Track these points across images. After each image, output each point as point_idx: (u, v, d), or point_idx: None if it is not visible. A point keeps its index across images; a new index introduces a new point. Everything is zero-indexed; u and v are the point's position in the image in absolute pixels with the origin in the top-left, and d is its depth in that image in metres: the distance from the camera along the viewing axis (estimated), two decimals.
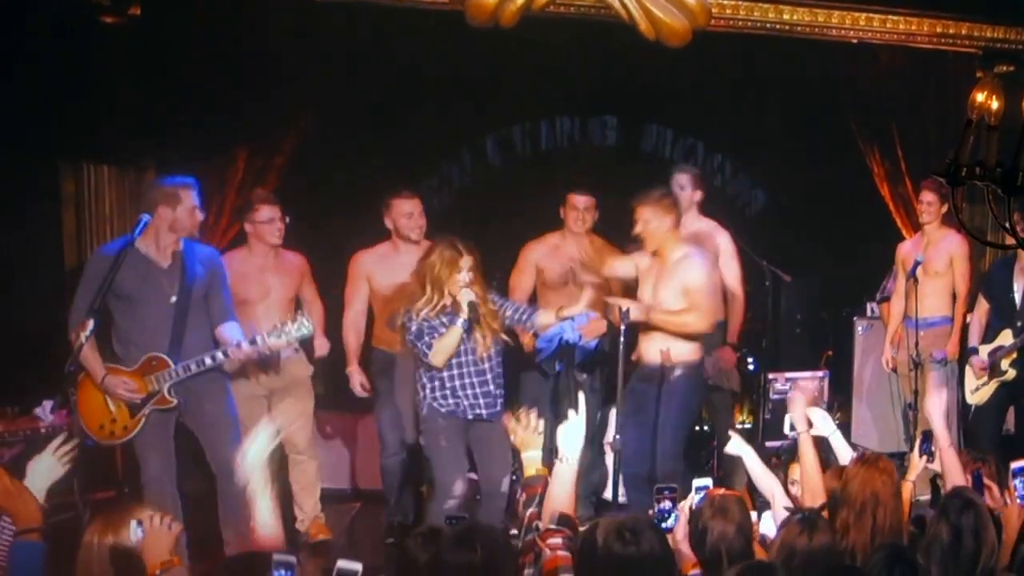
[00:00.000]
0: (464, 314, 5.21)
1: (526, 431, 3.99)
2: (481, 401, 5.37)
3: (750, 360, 7.52)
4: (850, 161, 7.68)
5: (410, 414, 5.89)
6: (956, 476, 4.27)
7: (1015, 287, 6.29)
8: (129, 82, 5.80)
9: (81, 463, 3.59)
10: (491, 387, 5.39)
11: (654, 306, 5.66)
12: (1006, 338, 6.25)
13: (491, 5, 5.93)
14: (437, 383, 5.35)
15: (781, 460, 5.07)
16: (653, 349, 5.78)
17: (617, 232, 6.50)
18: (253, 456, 3.65)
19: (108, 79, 5.75)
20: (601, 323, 6.11)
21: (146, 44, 5.80)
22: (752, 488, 4.60)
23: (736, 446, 4.64)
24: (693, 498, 3.97)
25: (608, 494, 6.12)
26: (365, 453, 6.82)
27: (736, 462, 4.86)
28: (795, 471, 4.60)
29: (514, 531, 3.74)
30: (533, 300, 6.35)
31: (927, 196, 6.56)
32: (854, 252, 7.78)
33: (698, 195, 6.41)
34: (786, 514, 4.02)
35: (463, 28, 6.05)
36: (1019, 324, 6.20)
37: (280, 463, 6.09)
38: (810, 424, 4.60)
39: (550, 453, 3.87)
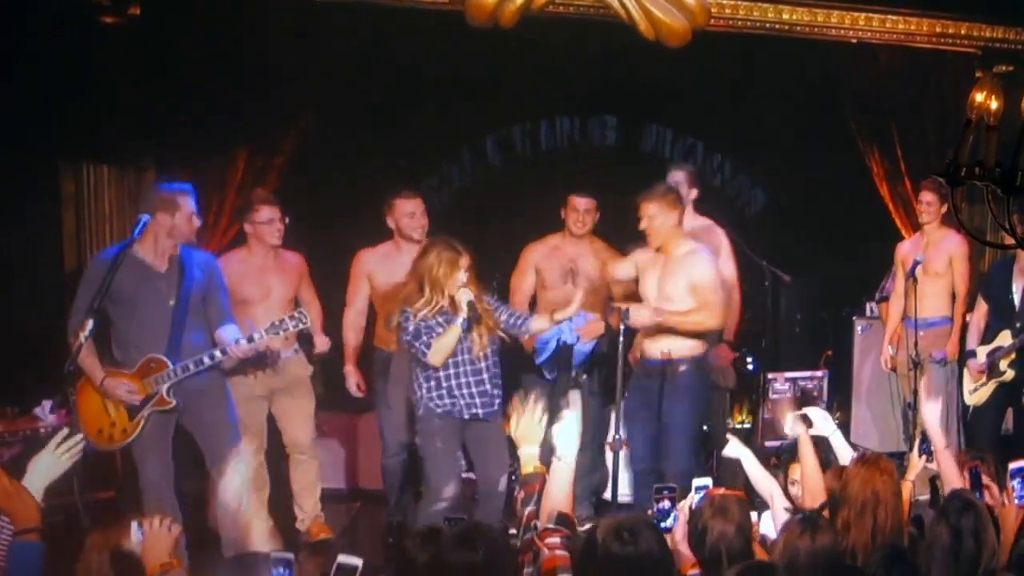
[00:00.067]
0: (464, 313, 5.22)
1: (528, 422, 3.97)
2: (478, 400, 5.37)
3: (749, 360, 7.52)
4: (850, 161, 7.68)
5: (408, 414, 5.89)
6: (954, 479, 4.27)
7: (1014, 288, 6.29)
8: (129, 82, 5.79)
9: (81, 463, 3.59)
10: (488, 386, 5.39)
11: (662, 308, 5.65)
12: (1005, 339, 6.25)
13: (491, 5, 5.93)
14: (433, 383, 5.35)
15: (781, 460, 5.06)
16: (655, 345, 5.78)
17: (617, 233, 6.50)
18: (236, 485, 3.67)
19: (108, 79, 5.74)
20: (599, 324, 6.12)
21: (146, 44, 5.80)
22: (749, 488, 4.60)
23: (734, 448, 4.65)
24: (693, 498, 3.97)
25: (608, 494, 6.13)
26: (365, 453, 6.83)
27: (734, 462, 4.86)
28: (795, 471, 4.60)
29: (513, 531, 3.73)
30: (534, 301, 6.37)
31: (927, 196, 6.56)
32: (854, 252, 7.78)
33: (693, 193, 6.42)
34: (785, 515, 4.03)
35: (463, 28, 6.05)
36: (1018, 325, 6.20)
37: (281, 463, 6.13)
38: (809, 424, 4.60)
39: (548, 453, 3.86)
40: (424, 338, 5.25)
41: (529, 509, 3.73)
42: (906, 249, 6.81)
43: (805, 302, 7.93)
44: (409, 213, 5.96)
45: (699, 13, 6.23)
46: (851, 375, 7.61)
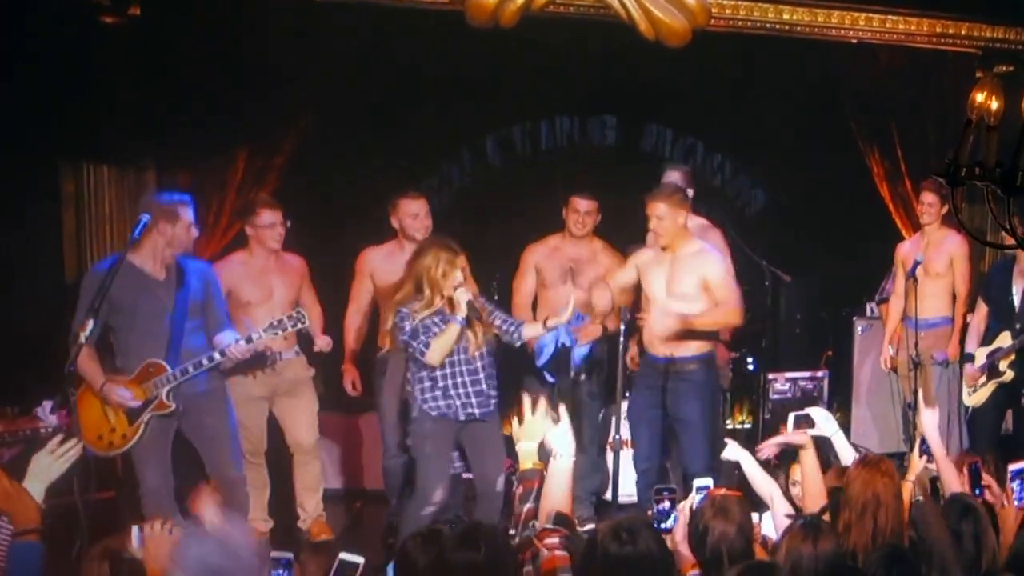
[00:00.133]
0: (462, 312, 5.22)
1: (529, 420, 3.96)
2: (474, 400, 5.37)
3: (749, 360, 7.52)
4: (850, 161, 7.67)
5: (401, 415, 5.88)
6: (954, 485, 4.27)
7: (1014, 289, 6.29)
8: (129, 82, 5.79)
9: (81, 463, 3.59)
10: (484, 386, 5.39)
11: (687, 315, 5.66)
12: (1005, 340, 6.24)
13: (491, 5, 5.93)
14: (429, 383, 5.34)
15: (781, 461, 5.05)
16: (667, 345, 5.79)
17: (617, 233, 6.51)
18: None
19: (108, 79, 5.74)
20: (596, 327, 6.12)
21: (146, 44, 5.79)
22: (748, 489, 4.59)
23: (733, 451, 4.64)
24: (693, 498, 3.96)
25: (608, 495, 6.13)
26: (366, 453, 6.83)
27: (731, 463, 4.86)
28: (796, 472, 4.59)
29: (512, 531, 3.73)
30: (535, 302, 6.37)
31: (928, 197, 6.56)
32: (854, 252, 7.78)
33: (690, 193, 6.42)
34: (785, 518, 4.02)
35: (463, 28, 6.05)
36: (1018, 326, 6.20)
37: (281, 464, 6.13)
38: (811, 424, 4.59)
39: (547, 453, 3.86)
40: (422, 337, 5.25)
41: (527, 506, 3.72)
42: (906, 249, 6.81)
43: (805, 302, 7.93)
44: (413, 214, 5.96)
45: (699, 13, 6.22)
46: (851, 375, 7.61)
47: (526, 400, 4.03)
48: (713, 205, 7.32)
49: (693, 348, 5.79)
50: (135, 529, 3.26)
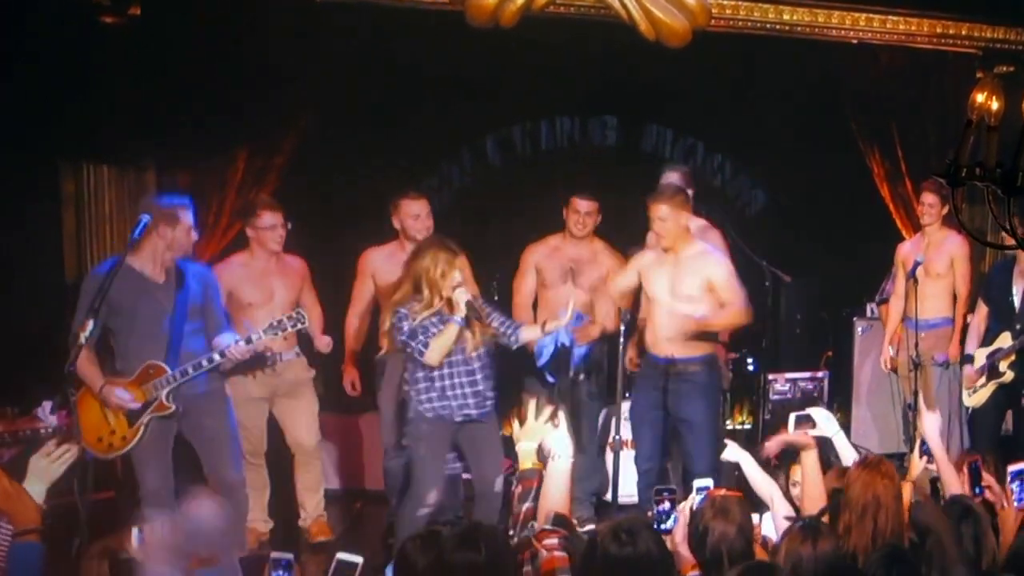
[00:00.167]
0: (461, 312, 5.22)
1: (531, 420, 3.96)
2: (471, 401, 5.36)
3: (749, 360, 7.52)
4: (850, 161, 7.67)
5: (398, 416, 5.88)
6: (955, 489, 4.27)
7: (1014, 290, 6.28)
8: (129, 82, 5.79)
9: (81, 464, 3.59)
10: (481, 387, 5.39)
11: (703, 318, 5.67)
12: (1005, 340, 6.24)
13: (491, 5, 5.93)
14: (425, 384, 5.34)
15: (781, 462, 5.05)
16: (671, 345, 5.79)
17: (617, 233, 6.51)
18: None
19: (108, 79, 5.74)
20: (595, 328, 6.11)
21: (146, 44, 5.79)
22: (748, 490, 4.59)
23: (733, 452, 4.64)
24: (693, 499, 3.96)
25: (608, 495, 6.14)
26: (366, 453, 6.83)
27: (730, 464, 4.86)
28: (796, 473, 4.59)
29: (511, 531, 3.73)
30: (535, 305, 6.37)
31: (928, 198, 6.56)
32: (854, 252, 7.78)
33: (689, 193, 6.42)
34: (784, 520, 4.02)
35: (463, 28, 6.05)
36: (1018, 327, 6.20)
37: (281, 465, 6.13)
38: (812, 424, 4.58)
39: (546, 454, 3.87)
40: (421, 337, 5.24)
41: (526, 506, 3.72)
42: (906, 250, 6.81)
43: (805, 302, 7.93)
44: (414, 214, 5.96)
45: (699, 13, 6.22)
46: (851, 376, 7.61)
47: (530, 403, 4.04)
48: (713, 205, 7.32)
49: (697, 349, 5.80)
50: (135, 530, 3.25)
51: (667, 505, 4.17)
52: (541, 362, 6.18)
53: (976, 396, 6.40)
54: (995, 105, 3.09)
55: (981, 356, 6.35)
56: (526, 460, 3.90)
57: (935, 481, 4.54)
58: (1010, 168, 2.98)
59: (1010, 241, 3.24)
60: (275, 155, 6.49)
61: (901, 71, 7.43)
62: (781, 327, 7.78)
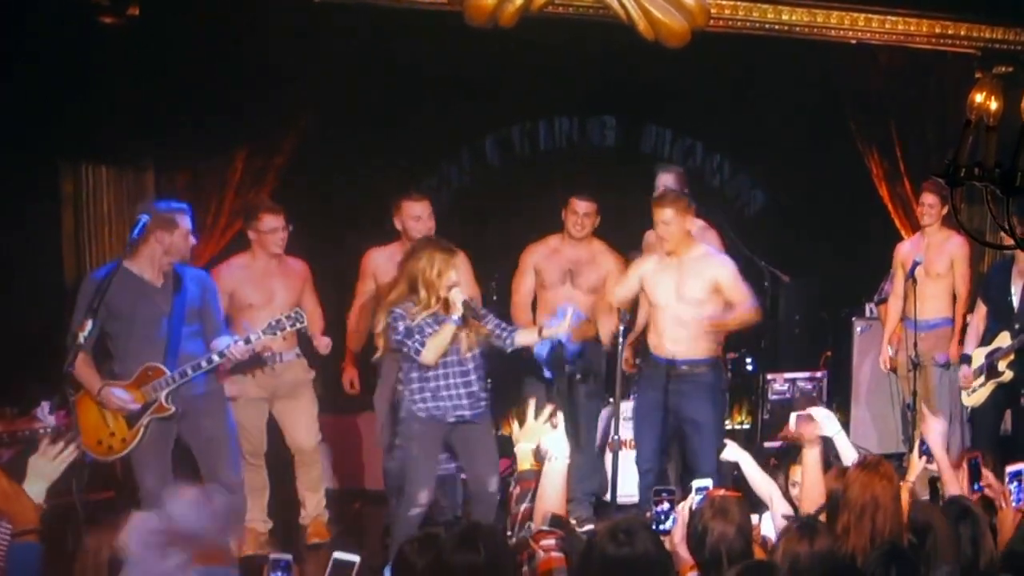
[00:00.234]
0: (458, 312, 5.21)
1: (530, 421, 3.97)
2: (465, 402, 5.36)
3: (748, 360, 7.52)
4: (849, 161, 7.67)
5: (392, 416, 5.88)
6: (955, 493, 4.26)
7: (1013, 289, 6.29)
8: (129, 82, 5.79)
9: (80, 464, 3.59)
10: (475, 387, 5.39)
11: (717, 319, 5.71)
12: (1004, 340, 6.24)
13: (490, 6, 5.92)
14: (419, 384, 5.33)
15: (780, 462, 5.05)
16: (676, 347, 5.80)
17: (616, 233, 6.51)
18: None
19: (108, 79, 5.74)
20: (590, 327, 6.11)
21: (146, 44, 5.79)
22: (747, 490, 4.59)
23: (733, 452, 4.64)
24: (693, 499, 3.96)
25: (608, 495, 6.13)
26: (365, 453, 6.83)
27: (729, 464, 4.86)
28: (796, 473, 4.59)
29: (509, 532, 3.73)
30: (534, 304, 6.37)
31: (928, 198, 6.56)
32: (853, 252, 7.78)
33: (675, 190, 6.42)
34: (783, 519, 4.02)
35: (463, 28, 6.04)
36: (1016, 326, 6.20)
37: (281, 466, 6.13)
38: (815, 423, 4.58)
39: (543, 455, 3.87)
40: (417, 336, 5.23)
41: (524, 507, 3.73)
42: (906, 250, 6.81)
43: (804, 302, 7.93)
44: (415, 216, 5.97)
45: (698, 14, 6.22)
46: (850, 376, 7.61)
47: (530, 404, 4.04)
48: (712, 206, 7.31)
49: (703, 351, 5.82)
50: (128, 527, 3.25)
51: (666, 505, 4.16)
52: (540, 359, 6.17)
53: (975, 396, 6.40)
54: (994, 105, 3.09)
55: (979, 356, 6.35)
56: (524, 462, 3.90)
57: (934, 481, 4.53)
58: (1009, 168, 2.99)
59: (1009, 241, 3.24)
60: (275, 155, 6.49)
61: (900, 71, 7.43)
62: (780, 327, 7.78)
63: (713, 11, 6.31)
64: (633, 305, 6.04)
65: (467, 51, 6.65)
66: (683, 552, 3.69)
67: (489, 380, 6.17)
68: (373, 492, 6.66)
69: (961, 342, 6.53)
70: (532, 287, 6.39)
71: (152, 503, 5.14)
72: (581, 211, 6.25)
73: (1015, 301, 6.27)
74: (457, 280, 5.27)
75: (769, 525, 4.42)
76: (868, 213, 7.77)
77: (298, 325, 5.45)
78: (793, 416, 4.66)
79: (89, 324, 4.71)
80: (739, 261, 6.50)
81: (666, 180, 6.39)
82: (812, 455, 4.36)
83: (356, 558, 3.40)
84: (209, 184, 6.26)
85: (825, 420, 4.66)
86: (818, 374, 7.44)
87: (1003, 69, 6.94)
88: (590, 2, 6.15)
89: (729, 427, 7.37)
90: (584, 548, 3.30)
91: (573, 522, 6.01)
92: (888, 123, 7.51)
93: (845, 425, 7.25)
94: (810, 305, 7.99)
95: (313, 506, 6.13)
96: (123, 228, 5.78)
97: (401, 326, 5.24)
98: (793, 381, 7.19)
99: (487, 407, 5.51)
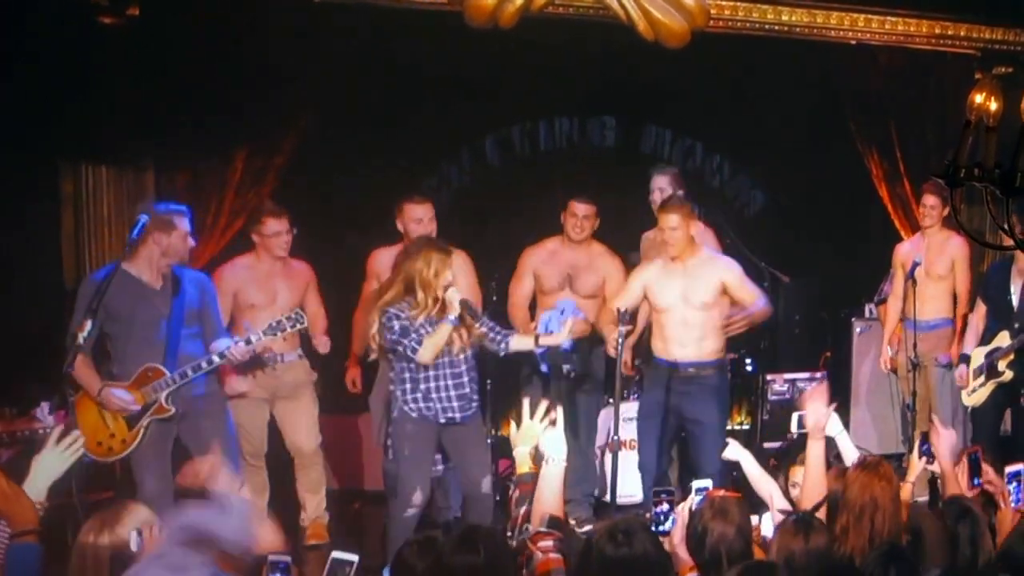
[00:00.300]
0: (455, 312, 5.21)
1: (527, 424, 3.97)
2: (456, 404, 5.35)
3: (748, 361, 7.52)
4: (849, 162, 7.67)
5: (386, 416, 5.88)
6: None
7: (1012, 289, 6.29)
8: (129, 82, 5.79)
9: (80, 464, 3.59)
10: (467, 389, 5.37)
11: (732, 320, 5.75)
12: (1003, 340, 6.24)
13: (490, 6, 5.92)
14: (410, 385, 5.32)
15: (780, 462, 5.05)
16: (684, 349, 5.80)
17: (616, 234, 6.50)
18: None
19: (108, 79, 5.74)
20: (585, 325, 6.11)
21: (146, 44, 5.79)
22: (747, 490, 4.59)
23: (733, 451, 4.64)
24: (692, 500, 3.96)
25: (607, 496, 6.13)
26: (365, 454, 6.82)
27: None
28: (796, 473, 4.58)
29: (509, 534, 3.73)
30: (533, 306, 6.37)
31: (929, 199, 6.56)
32: (853, 252, 7.78)
33: (680, 194, 6.41)
34: (781, 517, 4.02)
35: (463, 28, 6.05)
36: (1016, 326, 6.20)
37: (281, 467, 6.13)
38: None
39: (540, 456, 3.87)
40: (413, 335, 5.22)
41: (523, 509, 3.73)
42: (905, 250, 6.81)
43: (804, 303, 7.93)
44: (417, 219, 5.97)
45: (698, 14, 6.22)
46: (850, 376, 7.60)
47: (525, 403, 4.04)
48: (712, 206, 7.32)
49: (711, 353, 5.83)
50: (134, 532, 3.25)
51: (665, 506, 4.16)
52: (539, 357, 6.17)
53: (975, 396, 6.40)
54: (993, 106, 3.09)
55: (979, 355, 6.35)
56: (523, 465, 3.90)
57: (934, 481, 4.53)
58: (1008, 169, 2.99)
59: (1009, 241, 3.24)
60: (275, 155, 6.48)
61: (900, 72, 7.43)
62: (780, 327, 7.77)
63: (713, 11, 6.31)
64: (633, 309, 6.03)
65: (467, 51, 6.65)
66: (683, 553, 3.69)
67: (488, 381, 6.19)
68: (373, 492, 6.66)
69: (961, 342, 6.54)
70: (530, 291, 6.38)
71: (152, 504, 5.15)
72: (580, 214, 6.24)
73: (1015, 300, 6.27)
74: (453, 280, 5.26)
75: (769, 525, 4.41)
76: (868, 213, 7.77)
77: (298, 326, 5.45)
78: (795, 416, 4.65)
79: (88, 325, 4.71)
80: (739, 261, 6.52)
81: (661, 182, 6.39)
82: (816, 448, 4.30)
83: (355, 557, 3.41)
84: (209, 184, 6.26)
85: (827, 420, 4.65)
86: (818, 374, 7.43)
87: (1003, 70, 6.95)
88: (590, 2, 6.15)
89: (729, 428, 7.37)
90: (582, 549, 3.30)
91: (572, 523, 6.03)
92: (888, 123, 7.51)
93: (845, 426, 7.27)
94: (810, 306, 7.99)
95: (313, 508, 6.13)
96: (123, 228, 5.78)
97: (396, 325, 5.23)
98: (793, 382, 7.18)
99: (479, 408, 5.50)
